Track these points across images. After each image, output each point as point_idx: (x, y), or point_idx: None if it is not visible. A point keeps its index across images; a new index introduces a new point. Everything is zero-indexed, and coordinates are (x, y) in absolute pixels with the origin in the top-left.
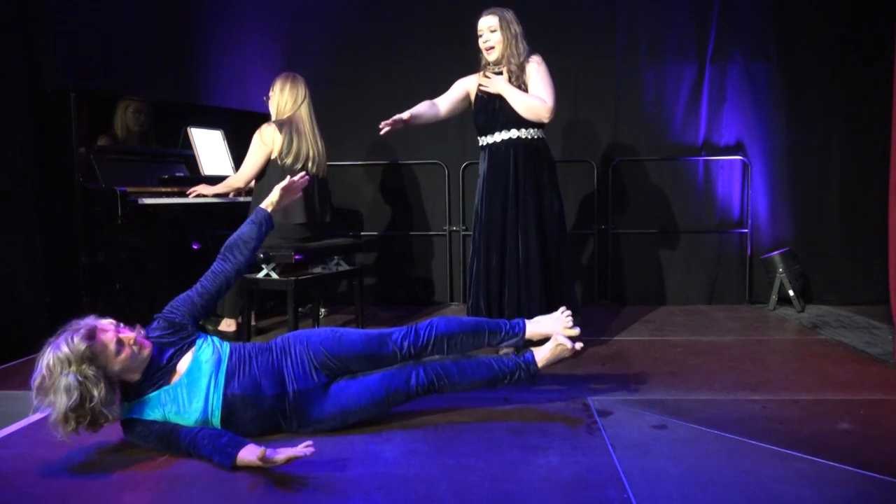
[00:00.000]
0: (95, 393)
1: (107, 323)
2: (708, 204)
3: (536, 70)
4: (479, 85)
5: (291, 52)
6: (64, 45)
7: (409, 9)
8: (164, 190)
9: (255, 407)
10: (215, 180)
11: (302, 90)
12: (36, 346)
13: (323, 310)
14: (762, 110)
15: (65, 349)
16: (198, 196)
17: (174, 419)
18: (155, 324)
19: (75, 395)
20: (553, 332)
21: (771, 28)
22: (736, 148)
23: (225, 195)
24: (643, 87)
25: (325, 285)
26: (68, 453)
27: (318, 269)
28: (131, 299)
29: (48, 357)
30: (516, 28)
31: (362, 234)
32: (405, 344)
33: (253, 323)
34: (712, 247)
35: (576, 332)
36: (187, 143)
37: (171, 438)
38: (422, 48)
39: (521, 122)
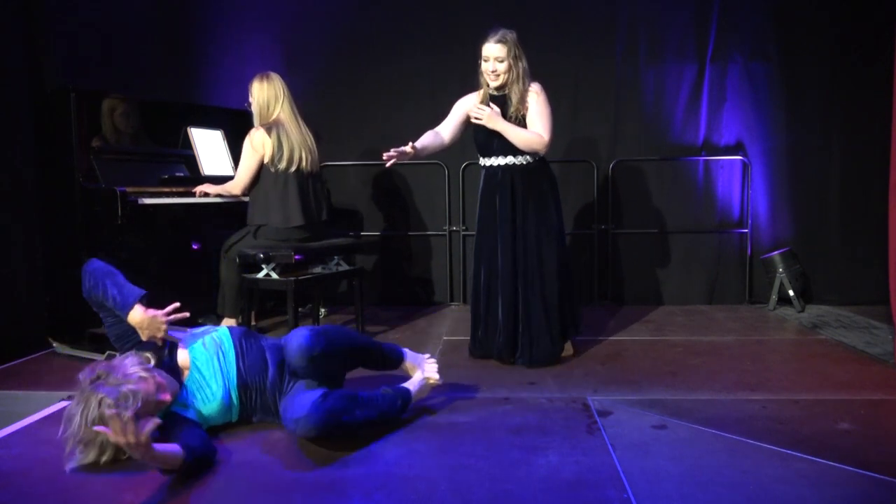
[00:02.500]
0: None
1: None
2: (708, 204)
3: (536, 100)
4: (474, 118)
5: (291, 53)
6: (64, 45)
7: (409, 9)
8: (164, 190)
9: (262, 379)
10: (215, 180)
11: (279, 86)
12: (36, 347)
13: (323, 310)
14: (762, 110)
15: (95, 413)
16: (203, 194)
17: (204, 408)
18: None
19: (108, 452)
20: (418, 367)
21: (771, 28)
22: (736, 148)
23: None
24: (643, 87)
25: (325, 285)
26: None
27: (318, 269)
28: None
29: (81, 415)
30: (523, 60)
31: (362, 234)
32: (297, 343)
33: (253, 323)
34: (712, 247)
35: (438, 379)
36: (187, 143)
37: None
38: (422, 48)
39: (517, 149)
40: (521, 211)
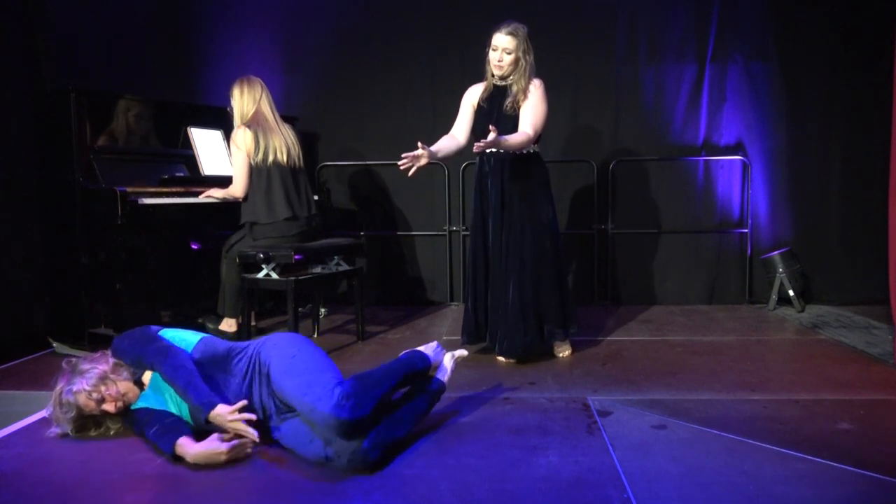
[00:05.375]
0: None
1: (91, 392)
2: (708, 204)
3: (533, 94)
4: (478, 151)
5: (291, 52)
6: (64, 46)
7: (409, 9)
8: (164, 190)
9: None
10: (215, 180)
11: (258, 88)
12: (36, 347)
13: (323, 310)
14: (762, 110)
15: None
16: (208, 197)
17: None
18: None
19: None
20: (439, 363)
21: (771, 28)
22: (736, 148)
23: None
24: (643, 88)
25: (325, 285)
26: (68, 453)
27: (318, 269)
28: (131, 299)
29: (55, 397)
30: (531, 56)
31: (362, 234)
32: (333, 421)
33: (253, 323)
34: (712, 247)
35: (464, 353)
36: (187, 143)
37: (143, 424)
38: (422, 48)
39: None
40: (508, 202)
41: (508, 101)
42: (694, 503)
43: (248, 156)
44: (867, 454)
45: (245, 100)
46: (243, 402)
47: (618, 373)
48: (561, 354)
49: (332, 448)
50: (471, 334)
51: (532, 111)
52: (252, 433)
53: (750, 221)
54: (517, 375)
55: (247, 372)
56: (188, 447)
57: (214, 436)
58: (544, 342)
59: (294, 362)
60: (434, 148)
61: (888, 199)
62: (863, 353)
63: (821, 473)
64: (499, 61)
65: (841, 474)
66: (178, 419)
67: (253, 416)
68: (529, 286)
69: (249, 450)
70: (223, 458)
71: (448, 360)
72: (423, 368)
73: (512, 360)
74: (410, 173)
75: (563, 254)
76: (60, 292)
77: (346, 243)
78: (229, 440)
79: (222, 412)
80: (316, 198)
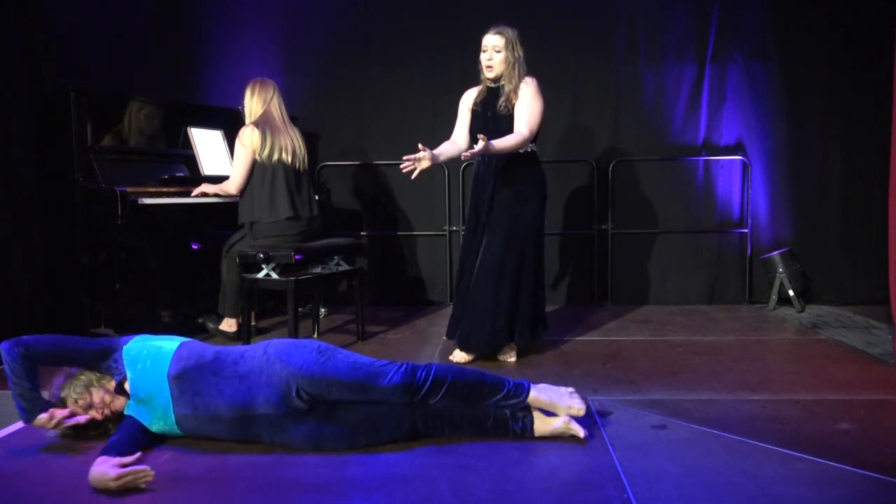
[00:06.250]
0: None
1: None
2: (708, 204)
3: (525, 92)
4: (470, 157)
5: (291, 52)
6: (64, 46)
7: (409, 9)
8: (164, 190)
9: (214, 427)
10: (215, 180)
11: (270, 90)
12: None
13: (323, 310)
14: (762, 110)
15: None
16: (201, 194)
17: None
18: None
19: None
20: (558, 404)
21: (771, 28)
22: (736, 148)
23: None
24: (643, 88)
25: (325, 285)
26: (68, 453)
27: (318, 269)
28: (131, 299)
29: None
30: (520, 52)
31: (362, 234)
32: (399, 384)
33: (253, 323)
34: (712, 247)
35: (582, 410)
36: (187, 143)
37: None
38: (422, 48)
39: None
40: (498, 201)
41: (501, 100)
42: (694, 503)
43: (253, 153)
44: (867, 454)
45: (255, 101)
46: (65, 411)
47: (618, 373)
48: (509, 359)
49: (374, 429)
50: (454, 332)
51: (526, 110)
52: (86, 417)
53: (750, 221)
54: (516, 376)
55: (248, 374)
56: (92, 467)
57: (115, 460)
58: (513, 342)
59: (325, 350)
60: (436, 151)
61: (888, 199)
62: (863, 353)
63: (821, 473)
64: (489, 60)
65: (841, 474)
66: (124, 438)
67: (81, 418)
68: (506, 285)
69: (150, 478)
70: (112, 485)
71: (560, 423)
72: (496, 384)
73: (470, 357)
74: (413, 176)
75: (543, 255)
76: (60, 292)
77: (346, 243)
78: (125, 466)
79: (42, 418)
80: (316, 197)
